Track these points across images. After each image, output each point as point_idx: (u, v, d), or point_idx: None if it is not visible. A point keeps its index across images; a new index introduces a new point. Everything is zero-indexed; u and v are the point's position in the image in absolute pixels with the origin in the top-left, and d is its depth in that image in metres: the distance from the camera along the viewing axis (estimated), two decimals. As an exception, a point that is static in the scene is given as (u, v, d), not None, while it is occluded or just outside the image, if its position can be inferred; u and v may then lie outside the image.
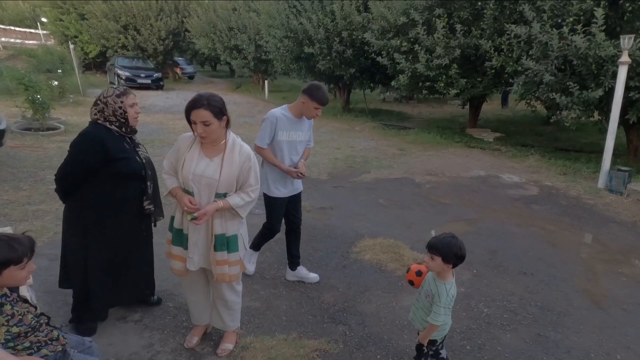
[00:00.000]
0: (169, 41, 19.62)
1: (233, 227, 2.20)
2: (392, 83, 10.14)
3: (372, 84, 13.15)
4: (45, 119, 8.13)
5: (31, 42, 24.49)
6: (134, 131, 2.43)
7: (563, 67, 6.91)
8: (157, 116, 11.30)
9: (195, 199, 2.09)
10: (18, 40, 24.08)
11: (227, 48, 17.94)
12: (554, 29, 6.62)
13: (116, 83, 17.24)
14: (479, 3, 8.12)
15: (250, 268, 3.20)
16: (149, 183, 2.45)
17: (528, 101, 8.48)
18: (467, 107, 11.36)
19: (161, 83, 17.82)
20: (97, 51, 20.11)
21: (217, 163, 2.11)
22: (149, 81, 17.26)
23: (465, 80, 8.67)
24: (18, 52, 18.19)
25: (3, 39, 23.68)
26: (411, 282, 2.15)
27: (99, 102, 2.29)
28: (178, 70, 22.63)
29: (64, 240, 2.42)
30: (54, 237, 3.70)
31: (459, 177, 6.69)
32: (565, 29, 6.43)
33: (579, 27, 6.23)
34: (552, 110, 7.74)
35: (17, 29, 28.59)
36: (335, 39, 11.13)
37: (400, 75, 9.57)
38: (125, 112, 2.30)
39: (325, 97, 2.79)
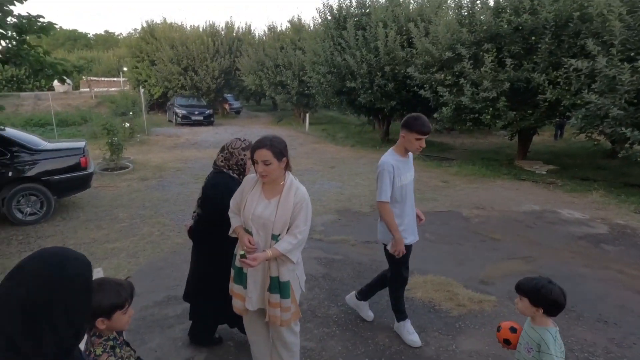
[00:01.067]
0: (221, 79, 21.13)
1: (286, 273, 2.22)
2: (435, 115, 10.19)
3: (413, 116, 13.24)
4: (119, 158, 9.07)
5: (113, 89, 27.49)
6: None
7: (635, 101, 6.67)
8: (208, 151, 12.07)
9: (254, 238, 2.17)
10: (105, 89, 27.16)
11: (273, 84, 18.96)
12: (624, 62, 6.46)
13: (174, 121, 18.73)
14: (533, 38, 8.10)
15: (370, 315, 3.29)
16: None
17: (589, 134, 8.13)
18: (516, 138, 11.09)
19: (212, 119, 19.11)
20: (160, 92, 22.11)
21: (273, 204, 2.17)
22: (201, 118, 18.58)
23: (514, 112, 8.54)
24: (103, 100, 20.67)
25: (95, 89, 26.85)
26: (507, 341, 1.95)
27: (226, 150, 2.57)
28: (226, 106, 24.09)
29: (198, 265, 2.77)
30: (127, 274, 4.09)
31: (510, 211, 6.50)
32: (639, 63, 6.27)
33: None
34: (620, 144, 7.40)
35: (105, 79, 32.43)
36: (378, 73, 11.48)
37: (443, 107, 9.62)
38: (245, 163, 2.56)
39: (425, 125, 2.62)
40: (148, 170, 9.14)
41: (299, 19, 19.62)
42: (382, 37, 11.01)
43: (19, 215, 5.57)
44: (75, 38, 58.04)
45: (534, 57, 8.15)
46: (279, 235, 2.17)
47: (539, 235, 5.36)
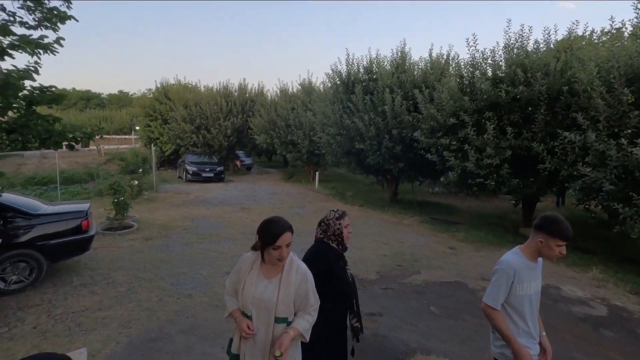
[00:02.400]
0: (234, 137, 21.86)
1: (290, 355, 2.10)
2: (441, 179, 10.23)
3: (420, 178, 13.32)
4: (124, 217, 9.10)
5: (124, 146, 28.69)
6: (346, 249, 2.68)
7: (624, 176, 6.69)
8: (216, 209, 12.13)
9: (253, 323, 2.06)
10: (115, 146, 28.35)
11: (284, 143, 19.53)
12: (611, 139, 6.59)
13: (184, 178, 19.14)
14: (529, 108, 8.32)
15: None
16: (354, 301, 2.61)
17: (586, 206, 8.07)
18: (520, 205, 10.97)
19: (222, 176, 19.50)
20: (172, 149, 22.89)
21: (274, 285, 2.09)
22: (212, 174, 18.98)
23: (517, 180, 8.54)
24: (113, 157, 21.35)
25: (105, 147, 28.06)
26: None
27: (322, 223, 2.67)
28: (238, 163, 24.69)
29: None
30: (115, 348, 3.93)
31: (519, 284, 6.24)
32: (623, 140, 6.36)
33: (639, 139, 6.17)
34: (614, 218, 7.34)
35: (116, 136, 34.06)
36: (385, 136, 11.76)
37: (449, 172, 9.68)
38: (341, 232, 2.61)
39: (569, 230, 2.23)
40: (153, 229, 9.14)
41: (310, 82, 20.66)
42: (389, 102, 11.43)
43: (1, 285, 5.25)
44: (88, 98, 61.21)
45: (532, 126, 8.31)
46: (286, 318, 2.07)
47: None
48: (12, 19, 4.84)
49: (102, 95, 66.01)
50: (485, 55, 9.60)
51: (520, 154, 8.54)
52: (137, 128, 24.84)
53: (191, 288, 5.63)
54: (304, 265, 2.18)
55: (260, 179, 21.43)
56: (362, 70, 13.70)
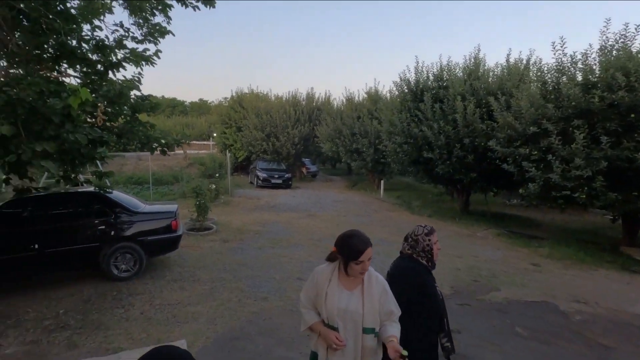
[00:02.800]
0: (300, 145, 22.53)
1: None
2: (520, 191, 9.58)
3: (494, 189, 12.57)
4: (205, 219, 9.84)
5: (203, 151, 31.01)
6: (434, 266, 2.61)
7: None
8: (285, 215, 12.56)
9: (340, 334, 2.06)
10: (196, 151, 30.76)
11: (349, 151, 19.68)
12: None
13: (255, 183, 20.11)
14: (632, 115, 7.50)
15: None
16: (445, 319, 2.55)
17: None
18: (620, 221, 9.84)
19: (290, 182, 20.15)
20: (244, 156, 24.23)
21: (357, 296, 2.11)
22: (280, 181, 19.71)
23: (615, 194, 7.67)
24: (194, 161, 23.22)
25: (188, 151, 30.65)
26: None
27: (410, 238, 2.63)
28: (304, 170, 25.34)
29: None
30: (205, 343, 4.28)
31: (621, 311, 5.59)
32: None
33: None
34: None
35: (196, 142, 37.01)
36: (456, 145, 11.34)
37: (530, 183, 9.04)
38: (431, 249, 2.57)
39: None
40: (230, 232, 9.75)
41: (376, 90, 20.61)
42: (461, 110, 11.02)
43: (115, 272, 6.17)
44: (174, 105, 66.77)
45: (635, 135, 7.45)
46: (373, 329, 2.10)
47: None
48: (126, 34, 5.55)
49: (185, 103, 71.53)
50: (574, 59, 8.85)
51: (619, 165, 7.68)
52: (215, 135, 26.63)
53: (266, 291, 5.91)
54: (380, 276, 2.20)
55: (324, 187, 21.77)
56: (431, 77, 13.41)
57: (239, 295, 5.73)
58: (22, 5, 4.55)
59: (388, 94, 18.71)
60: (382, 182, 17.96)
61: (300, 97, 24.38)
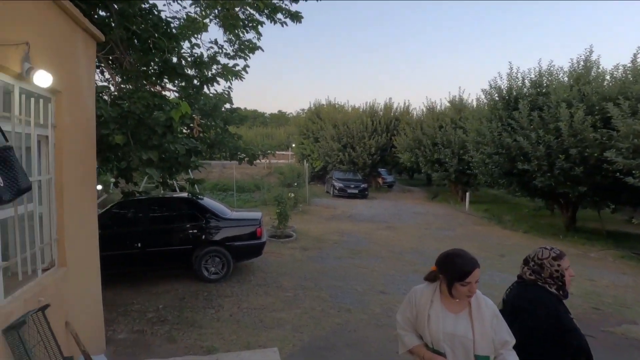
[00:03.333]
0: (377, 156, 22.18)
1: None
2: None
3: (611, 204, 10.81)
4: (285, 227, 10.03)
5: (282, 161, 32.34)
6: (567, 295, 2.22)
7: None
8: (362, 225, 12.29)
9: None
10: (275, 161, 32.23)
11: (429, 161, 18.79)
12: None
13: (331, 193, 20.20)
14: None
15: None
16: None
17: None
18: None
19: (366, 193, 19.84)
20: (320, 166, 24.60)
21: (464, 319, 1.95)
22: (356, 191, 19.51)
23: None
24: (274, 170, 24.26)
25: (267, 161, 32.23)
26: None
27: (532, 262, 2.25)
28: (380, 180, 24.86)
29: None
30: (293, 350, 4.20)
31: None
32: None
33: None
34: None
35: (277, 152, 38.88)
36: (560, 155, 10.06)
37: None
38: (563, 275, 2.17)
39: None
40: (308, 240, 9.78)
41: (460, 99, 19.46)
42: (566, 118, 9.76)
43: (205, 274, 6.47)
44: (255, 117, 70.91)
45: None
46: (486, 356, 1.90)
47: None
48: (220, 51, 5.88)
49: (265, 115, 75.93)
50: None
51: None
52: (293, 145, 27.58)
53: (349, 303, 5.70)
54: (489, 300, 2.01)
55: (402, 197, 21.04)
56: (527, 84, 12.25)
57: (321, 304, 5.60)
58: (134, 27, 5.04)
59: (475, 102, 17.54)
60: (467, 194, 16.75)
61: (378, 107, 24.12)
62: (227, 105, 6.68)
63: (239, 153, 6.74)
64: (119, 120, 4.28)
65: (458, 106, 18.90)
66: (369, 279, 6.86)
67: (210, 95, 6.34)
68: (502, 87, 12.90)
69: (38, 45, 2.74)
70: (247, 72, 6.05)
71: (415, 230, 11.73)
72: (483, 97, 14.35)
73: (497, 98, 13.04)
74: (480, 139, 13.13)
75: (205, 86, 5.91)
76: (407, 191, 24.40)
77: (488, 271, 7.43)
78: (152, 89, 5.49)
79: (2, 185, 2.23)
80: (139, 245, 6.20)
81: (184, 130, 5.94)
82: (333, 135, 22.93)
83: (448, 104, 19.85)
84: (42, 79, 2.73)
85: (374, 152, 21.92)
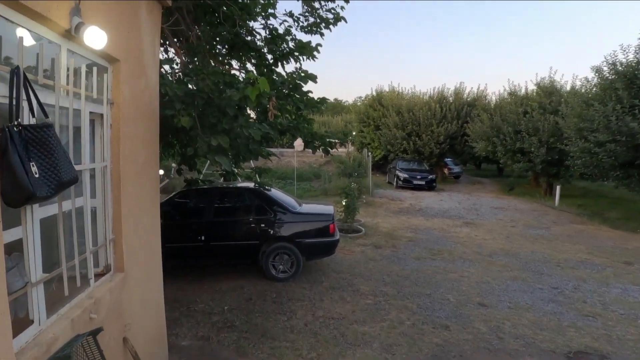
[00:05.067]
0: (446, 145, 20.43)
1: None
2: None
3: None
4: (353, 221, 9.21)
5: (341, 149, 31.48)
6: None
7: None
8: (436, 221, 11.10)
9: None
10: (333, 150, 31.54)
11: (510, 151, 16.80)
12: None
13: (394, 184, 19.00)
14: None
15: None
16: None
17: None
18: None
19: (434, 184, 18.34)
20: (381, 155, 23.34)
21: None
22: (423, 182, 18.09)
23: None
24: (331, 159, 23.40)
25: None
26: None
27: None
28: (446, 171, 23.06)
29: None
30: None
31: None
32: None
33: None
34: None
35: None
36: None
37: None
38: None
39: None
40: (379, 236, 8.88)
41: (551, 81, 17.01)
42: None
43: (273, 272, 5.87)
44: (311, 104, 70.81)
45: None
46: None
47: None
48: (296, 23, 5.11)
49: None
50: None
51: None
52: (353, 133, 26.46)
53: (444, 317, 4.76)
54: None
55: (474, 190, 19.21)
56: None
57: (410, 317, 4.73)
58: (204, -3, 4.43)
59: (578, 82, 15.16)
60: (558, 187, 14.63)
61: (448, 92, 22.19)
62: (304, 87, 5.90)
63: (315, 141, 5.95)
64: (186, 99, 3.69)
65: (549, 89, 16.56)
66: (461, 287, 5.84)
67: (283, 75, 5.60)
68: (622, 62, 10.75)
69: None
70: (319, 52, 5.23)
71: (500, 228, 10.30)
72: (591, 76, 12.22)
73: (613, 77, 10.93)
74: (587, 124, 11.18)
75: (279, 63, 5.18)
76: (477, 182, 22.39)
77: (613, 282, 6.07)
78: (220, 68, 4.90)
79: (37, 176, 1.62)
80: (202, 238, 5.76)
81: (252, 115, 5.31)
82: (397, 122, 21.50)
83: (535, 87, 17.52)
84: (96, 38, 2.12)
85: (442, 140, 20.22)
